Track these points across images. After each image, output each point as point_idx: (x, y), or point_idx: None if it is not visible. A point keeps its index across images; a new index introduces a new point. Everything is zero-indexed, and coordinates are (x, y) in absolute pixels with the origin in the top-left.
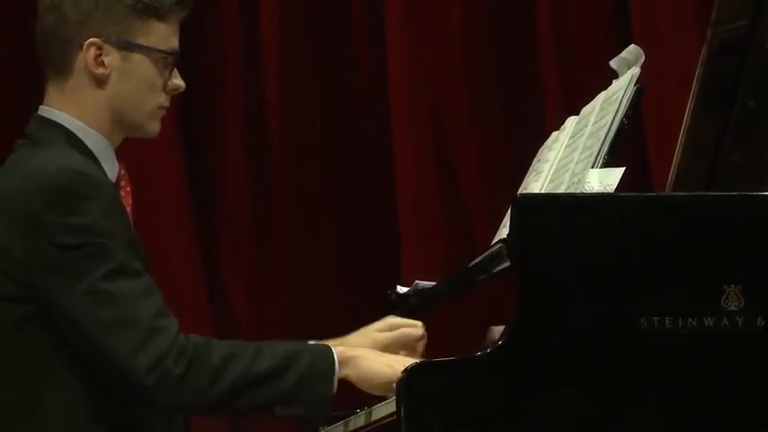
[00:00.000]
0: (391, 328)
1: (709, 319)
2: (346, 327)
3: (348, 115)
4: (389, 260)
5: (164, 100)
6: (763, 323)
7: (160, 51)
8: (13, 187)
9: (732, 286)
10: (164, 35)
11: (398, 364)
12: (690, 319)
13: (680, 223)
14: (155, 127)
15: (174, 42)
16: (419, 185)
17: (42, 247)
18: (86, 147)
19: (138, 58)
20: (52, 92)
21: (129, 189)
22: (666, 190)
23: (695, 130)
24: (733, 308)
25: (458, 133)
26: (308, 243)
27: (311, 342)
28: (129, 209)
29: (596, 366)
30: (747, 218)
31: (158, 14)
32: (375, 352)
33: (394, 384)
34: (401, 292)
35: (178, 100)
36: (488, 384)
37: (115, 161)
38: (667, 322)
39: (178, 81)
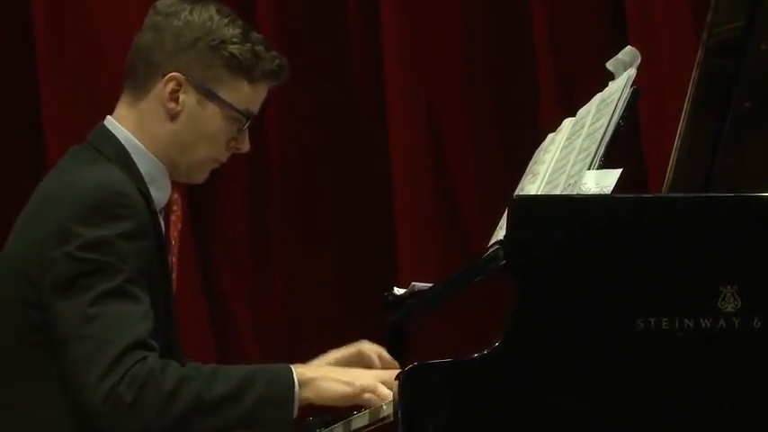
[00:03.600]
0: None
1: (705, 320)
2: (345, 329)
3: (344, 118)
4: (386, 262)
5: (221, 154)
6: (759, 324)
7: (236, 110)
8: (55, 194)
9: (729, 287)
10: (246, 96)
11: (357, 379)
12: (686, 321)
13: (676, 225)
14: (199, 177)
15: (253, 106)
16: (415, 188)
17: (58, 255)
18: (137, 168)
19: (212, 107)
20: (123, 106)
21: (179, 214)
22: (663, 191)
23: (691, 132)
24: (730, 309)
25: (454, 135)
26: (306, 246)
27: (271, 365)
28: (175, 233)
29: (593, 367)
30: (744, 219)
31: (249, 76)
32: (334, 369)
33: (365, 396)
34: (398, 293)
35: None
36: (485, 385)
37: (168, 187)
38: (664, 323)
39: (244, 144)
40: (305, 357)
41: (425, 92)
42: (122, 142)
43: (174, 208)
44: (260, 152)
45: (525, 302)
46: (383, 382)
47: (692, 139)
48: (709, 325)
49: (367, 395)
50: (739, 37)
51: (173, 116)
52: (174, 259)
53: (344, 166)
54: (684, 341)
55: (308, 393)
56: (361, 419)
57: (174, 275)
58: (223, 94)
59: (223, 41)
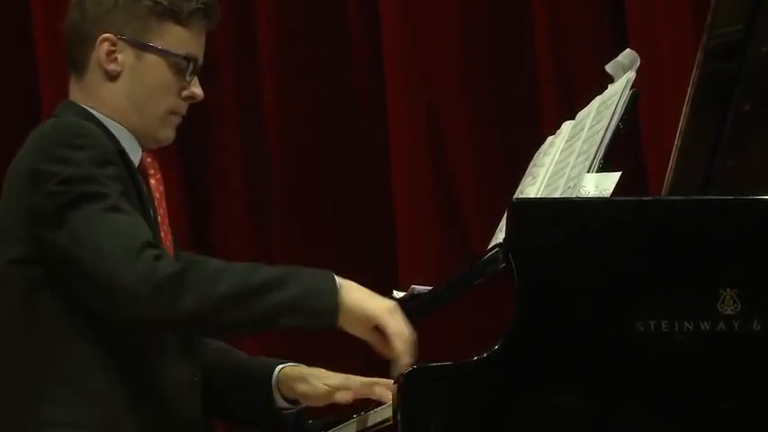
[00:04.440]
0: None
1: (705, 322)
2: (345, 332)
3: (344, 118)
4: (386, 263)
5: (177, 105)
6: (759, 327)
7: (175, 55)
8: (23, 153)
9: (728, 290)
10: (182, 40)
11: (385, 313)
12: (686, 323)
13: (676, 227)
14: (167, 133)
15: (193, 49)
16: (415, 188)
17: (39, 197)
18: (110, 131)
19: (151, 59)
20: (73, 89)
21: (159, 176)
22: (662, 194)
23: (691, 134)
24: (729, 312)
25: (454, 135)
26: (305, 246)
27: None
28: (158, 195)
29: (593, 370)
30: (743, 222)
31: (178, 18)
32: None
33: (387, 316)
34: (398, 297)
35: None
36: (485, 388)
37: (140, 150)
38: (663, 326)
39: (196, 89)
40: (305, 358)
41: (425, 92)
42: (86, 108)
43: (152, 171)
44: (260, 152)
45: (525, 305)
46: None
47: (691, 142)
48: (708, 327)
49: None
50: (739, 39)
51: (115, 76)
52: (163, 228)
53: (344, 167)
54: (684, 344)
55: (344, 295)
56: (359, 423)
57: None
58: (158, 43)
59: None
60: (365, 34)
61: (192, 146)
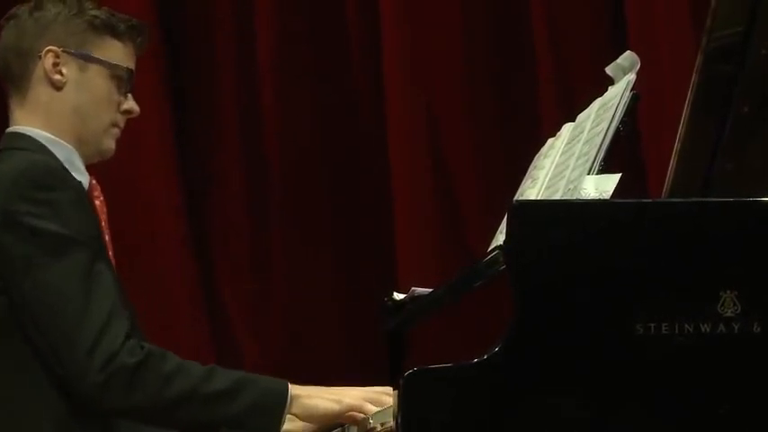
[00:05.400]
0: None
1: (705, 324)
2: (345, 332)
3: (344, 119)
4: (386, 263)
5: (117, 119)
6: (759, 329)
7: (117, 66)
8: None
9: (728, 292)
10: (120, 53)
11: (345, 397)
12: (686, 325)
13: (676, 229)
14: (110, 144)
15: (129, 63)
16: (415, 188)
17: (12, 236)
18: (55, 156)
19: (94, 70)
20: (15, 109)
21: (102, 199)
22: (662, 196)
23: (691, 137)
24: (729, 314)
25: (454, 135)
26: (305, 248)
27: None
28: (104, 217)
29: (593, 372)
30: (743, 223)
31: (115, 32)
32: (324, 389)
33: (348, 414)
34: (398, 298)
35: (172, 107)
36: (485, 390)
37: (85, 171)
38: (664, 328)
39: (132, 104)
40: (305, 358)
41: (425, 92)
42: (33, 137)
43: (96, 194)
44: (259, 154)
45: (525, 307)
46: (370, 401)
47: (691, 144)
48: (708, 330)
49: (352, 414)
50: (738, 42)
51: (60, 87)
52: (108, 248)
53: (344, 168)
54: (684, 345)
55: (295, 410)
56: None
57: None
58: (99, 55)
59: (80, 9)
60: (365, 36)
61: (191, 148)
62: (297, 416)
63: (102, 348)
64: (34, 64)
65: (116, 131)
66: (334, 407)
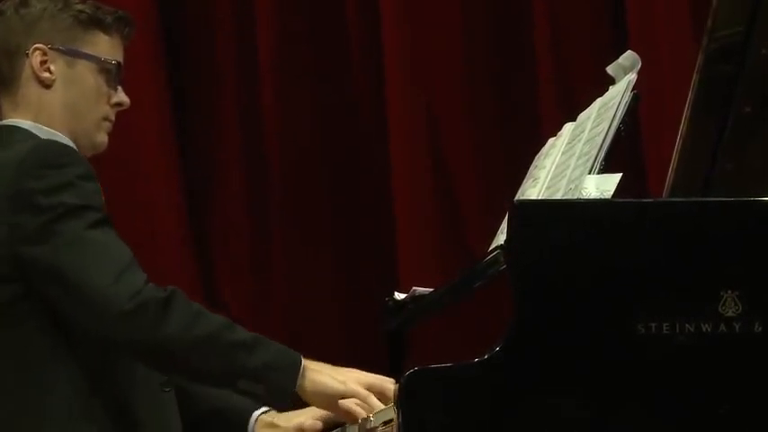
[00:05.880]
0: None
1: (706, 324)
2: (345, 332)
3: (344, 119)
4: (386, 263)
5: (109, 112)
6: (760, 329)
7: (105, 60)
8: None
9: (729, 292)
10: (108, 47)
11: (351, 381)
12: (687, 325)
13: (677, 229)
14: (103, 138)
15: (118, 56)
16: (415, 188)
17: (24, 216)
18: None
19: (82, 64)
20: (6, 108)
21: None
22: (663, 196)
23: (692, 137)
24: (730, 314)
25: (454, 135)
26: (305, 248)
27: None
28: None
29: (593, 372)
30: (744, 224)
31: (102, 26)
32: (331, 367)
33: (343, 401)
34: (399, 298)
35: (172, 107)
36: (486, 390)
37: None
38: (665, 328)
39: (122, 96)
40: (305, 358)
41: (425, 92)
42: (30, 129)
43: None
44: (260, 154)
45: (525, 307)
46: (373, 387)
47: (692, 144)
48: (709, 330)
49: (350, 404)
50: (739, 42)
51: (49, 84)
52: None
53: (344, 168)
54: (685, 345)
55: (305, 381)
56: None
57: None
58: (86, 50)
59: (66, 3)
60: (365, 36)
61: (191, 148)
62: (304, 390)
63: (128, 281)
64: (22, 63)
65: (108, 125)
66: (340, 387)
